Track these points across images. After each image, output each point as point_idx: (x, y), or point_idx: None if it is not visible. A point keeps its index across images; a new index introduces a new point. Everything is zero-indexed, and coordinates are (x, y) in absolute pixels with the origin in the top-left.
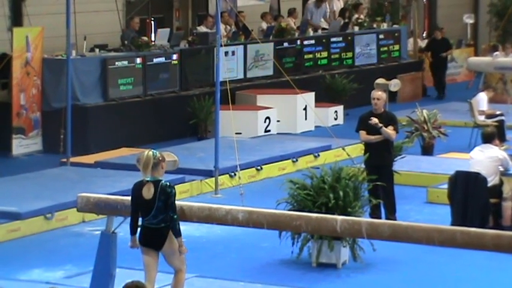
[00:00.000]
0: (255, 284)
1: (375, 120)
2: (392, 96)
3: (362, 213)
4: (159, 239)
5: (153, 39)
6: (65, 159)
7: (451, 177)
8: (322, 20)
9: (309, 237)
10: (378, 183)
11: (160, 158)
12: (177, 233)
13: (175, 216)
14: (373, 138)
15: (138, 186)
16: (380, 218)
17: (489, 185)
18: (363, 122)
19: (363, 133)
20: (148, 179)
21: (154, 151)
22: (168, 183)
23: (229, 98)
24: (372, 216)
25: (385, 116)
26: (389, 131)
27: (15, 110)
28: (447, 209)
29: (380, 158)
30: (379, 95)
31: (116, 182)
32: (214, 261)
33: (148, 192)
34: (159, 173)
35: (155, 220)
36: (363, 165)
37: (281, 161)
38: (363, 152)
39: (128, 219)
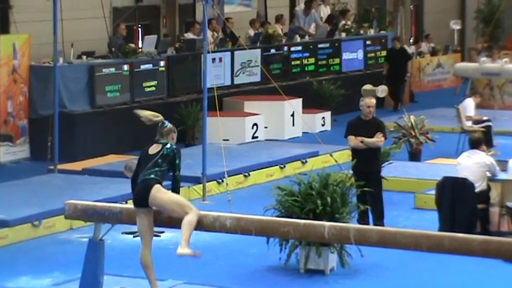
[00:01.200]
0: None
1: (359, 143)
2: (379, 102)
3: (350, 219)
4: (144, 190)
5: (140, 46)
6: (52, 167)
7: (439, 183)
8: (312, 27)
9: (297, 243)
10: (365, 189)
11: (171, 128)
12: (176, 191)
13: (178, 176)
14: (362, 145)
15: (149, 143)
16: (368, 224)
17: (476, 190)
18: (351, 127)
19: (351, 138)
20: (160, 141)
21: (166, 121)
22: (173, 145)
23: (217, 104)
24: (360, 222)
25: (373, 122)
26: (375, 139)
27: (3, 117)
28: (435, 215)
29: (368, 164)
30: (372, 103)
31: (104, 189)
32: (202, 268)
33: (154, 149)
34: (168, 140)
35: (147, 172)
36: (350, 171)
37: (269, 167)
38: (350, 158)
39: (115, 227)
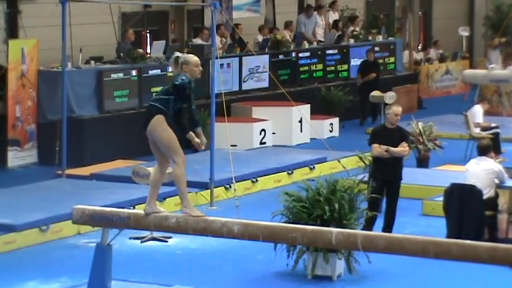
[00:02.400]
0: None
1: (384, 152)
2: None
3: (357, 225)
4: (146, 116)
5: (148, 51)
6: (60, 171)
7: (447, 190)
8: (318, 30)
9: (304, 249)
10: (374, 195)
11: (181, 60)
12: (194, 124)
13: (191, 108)
14: (386, 154)
15: None
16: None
17: (484, 197)
18: (376, 135)
19: (375, 147)
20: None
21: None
22: (188, 78)
23: (225, 110)
24: (365, 229)
25: (397, 131)
26: (401, 148)
27: (11, 122)
28: (443, 222)
29: (392, 172)
30: (400, 111)
31: (112, 194)
32: (210, 274)
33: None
34: (181, 72)
35: (155, 98)
36: (358, 177)
37: (276, 173)
38: (358, 164)
39: (123, 232)
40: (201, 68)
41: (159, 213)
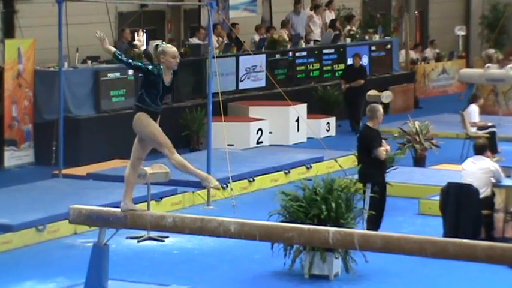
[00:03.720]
0: None
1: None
2: (384, 108)
3: (354, 224)
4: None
5: None
6: (57, 171)
7: (443, 189)
8: (314, 30)
9: (301, 248)
10: (371, 194)
11: (159, 50)
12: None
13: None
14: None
15: None
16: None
17: (481, 196)
18: (374, 138)
19: (382, 150)
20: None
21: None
22: (158, 65)
23: (222, 109)
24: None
25: (376, 131)
26: (389, 147)
27: (7, 121)
28: (439, 221)
29: (384, 172)
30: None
31: (108, 194)
32: (207, 273)
33: None
34: (160, 62)
35: None
36: (355, 176)
37: (273, 172)
38: (355, 163)
39: (120, 231)
40: (178, 60)
41: (134, 210)
